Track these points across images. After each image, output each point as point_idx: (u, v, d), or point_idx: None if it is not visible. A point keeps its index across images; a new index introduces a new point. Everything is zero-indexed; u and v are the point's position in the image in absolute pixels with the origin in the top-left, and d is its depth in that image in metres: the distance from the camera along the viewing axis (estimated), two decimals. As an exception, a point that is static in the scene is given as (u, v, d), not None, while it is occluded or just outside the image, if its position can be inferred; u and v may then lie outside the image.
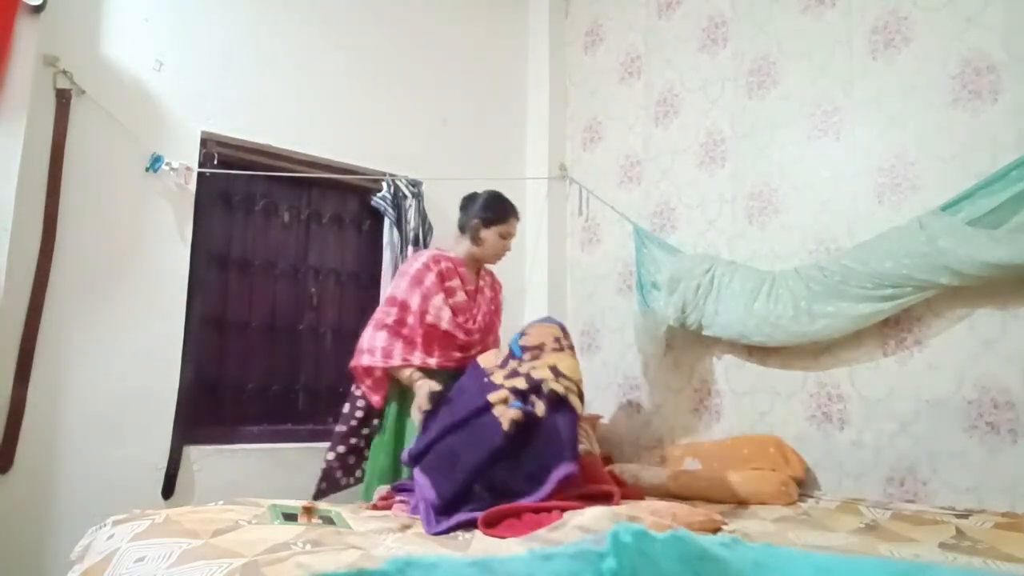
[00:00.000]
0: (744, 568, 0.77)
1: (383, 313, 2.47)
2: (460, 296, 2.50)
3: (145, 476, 2.48)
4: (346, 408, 2.55)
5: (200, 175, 2.69)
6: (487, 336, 2.58)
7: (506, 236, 2.58)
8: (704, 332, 2.80)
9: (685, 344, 2.99)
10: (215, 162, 2.74)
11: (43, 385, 2.34)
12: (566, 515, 1.77)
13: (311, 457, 2.83)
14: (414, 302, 2.44)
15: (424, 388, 2.28)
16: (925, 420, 2.33)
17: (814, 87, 2.74)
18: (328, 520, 1.74)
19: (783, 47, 2.86)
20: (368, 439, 2.55)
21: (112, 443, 2.44)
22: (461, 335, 2.46)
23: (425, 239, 3.08)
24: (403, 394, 2.44)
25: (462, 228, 2.60)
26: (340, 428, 2.54)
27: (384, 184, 3.07)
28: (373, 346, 2.43)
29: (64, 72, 2.43)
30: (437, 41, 3.45)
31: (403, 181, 3.09)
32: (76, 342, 2.42)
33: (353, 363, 2.47)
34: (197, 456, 2.60)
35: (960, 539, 1.74)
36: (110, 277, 2.51)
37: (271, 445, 2.79)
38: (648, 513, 1.80)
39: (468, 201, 2.62)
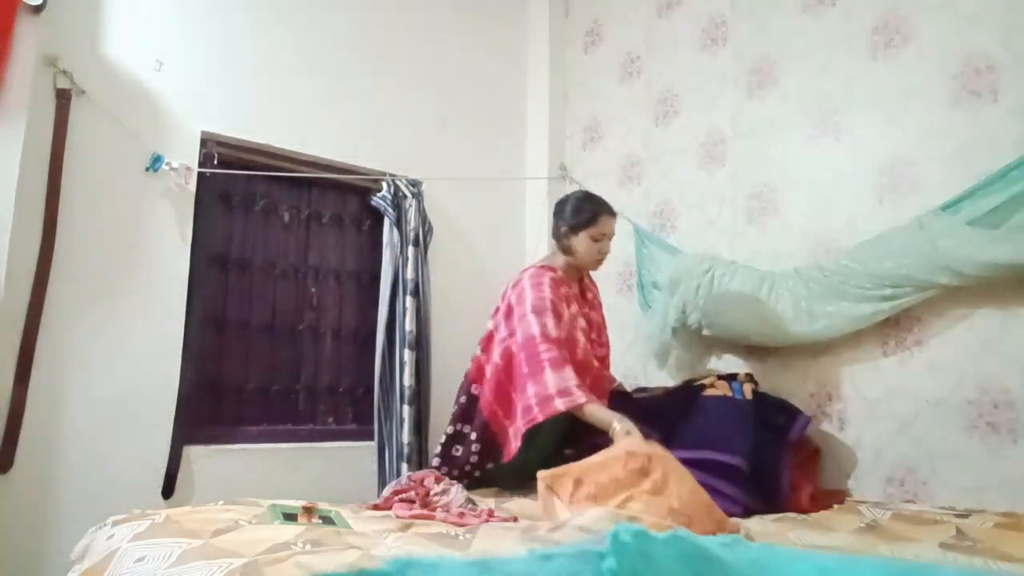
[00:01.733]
0: (744, 568, 0.77)
1: (548, 351, 2.17)
2: (582, 322, 2.34)
3: (145, 476, 2.48)
4: (458, 451, 2.33)
5: (200, 175, 2.69)
6: (607, 354, 2.45)
7: (599, 238, 2.36)
8: (704, 332, 2.80)
9: (685, 344, 2.98)
10: (215, 162, 2.74)
11: (43, 385, 2.34)
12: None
13: (311, 457, 2.84)
14: (562, 332, 2.22)
15: (634, 436, 1.97)
16: (925, 420, 2.33)
17: (814, 87, 2.74)
18: (328, 520, 1.74)
19: (783, 47, 2.86)
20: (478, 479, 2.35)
21: (112, 443, 2.44)
22: (595, 361, 2.33)
23: (425, 239, 3.09)
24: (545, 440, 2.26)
25: (556, 238, 2.44)
26: (452, 473, 2.32)
27: (384, 184, 3.07)
28: (567, 387, 2.11)
29: (64, 72, 2.43)
30: (437, 41, 3.45)
31: (403, 181, 3.09)
32: (76, 342, 2.42)
33: (544, 415, 2.11)
34: (197, 456, 2.60)
35: (960, 539, 1.74)
36: (110, 277, 2.51)
37: (271, 445, 2.79)
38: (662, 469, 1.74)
39: (559, 206, 2.45)
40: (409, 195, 3.07)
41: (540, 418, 2.12)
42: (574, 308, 2.36)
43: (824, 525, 1.95)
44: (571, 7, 3.80)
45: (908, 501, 2.30)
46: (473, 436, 2.34)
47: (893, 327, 2.44)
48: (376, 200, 3.06)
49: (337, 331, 3.09)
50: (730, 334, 2.72)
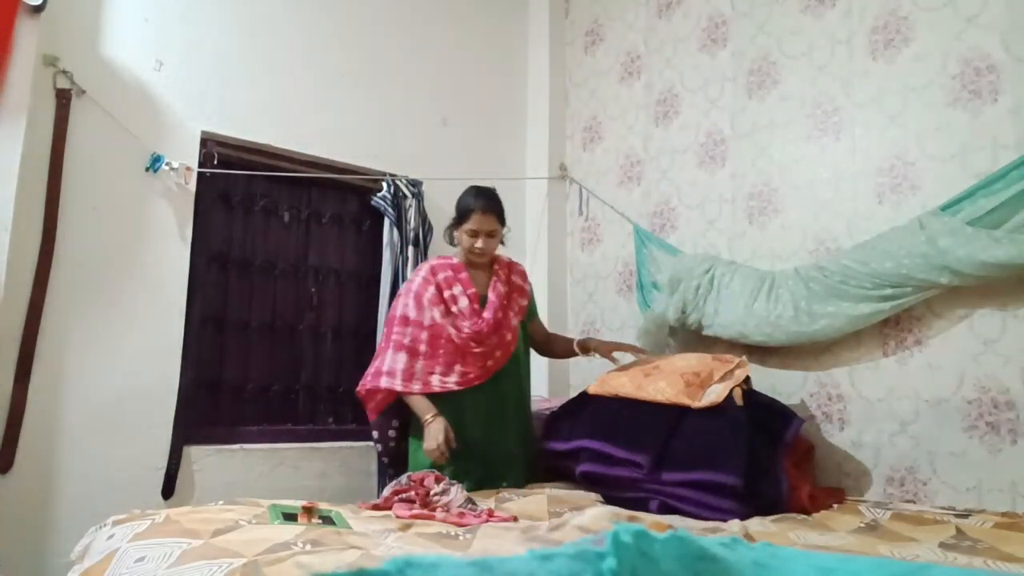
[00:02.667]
0: (744, 568, 0.77)
1: (399, 334, 2.45)
2: (463, 302, 2.47)
3: (145, 476, 2.48)
4: (376, 435, 2.58)
5: (200, 175, 2.69)
6: (502, 331, 2.50)
7: (472, 234, 2.48)
8: (704, 332, 2.80)
9: (685, 344, 2.98)
10: (215, 162, 2.74)
11: (43, 385, 2.34)
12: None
13: (311, 457, 2.83)
14: (426, 318, 2.44)
15: (432, 435, 2.31)
16: (925, 420, 2.33)
17: (814, 87, 2.74)
18: (328, 520, 1.74)
19: (783, 47, 2.86)
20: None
21: (112, 443, 2.44)
22: (474, 344, 2.43)
23: (425, 239, 3.08)
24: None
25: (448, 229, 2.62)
26: (383, 458, 2.62)
27: (384, 184, 3.07)
28: (393, 368, 2.41)
29: (64, 72, 2.43)
30: (437, 41, 3.45)
31: (403, 181, 3.09)
32: (76, 342, 2.42)
33: (369, 386, 2.45)
34: (197, 456, 2.60)
35: (960, 539, 1.74)
36: (110, 277, 2.51)
37: (271, 445, 2.79)
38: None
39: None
40: (409, 195, 3.07)
41: (367, 387, 2.45)
42: (456, 289, 2.48)
43: (824, 525, 1.95)
44: (571, 7, 3.80)
45: (908, 501, 2.30)
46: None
47: (893, 327, 2.44)
48: (376, 200, 3.06)
49: (337, 331, 3.09)
50: (730, 334, 2.72)
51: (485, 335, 2.45)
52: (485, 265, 2.58)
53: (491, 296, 2.53)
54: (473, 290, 2.52)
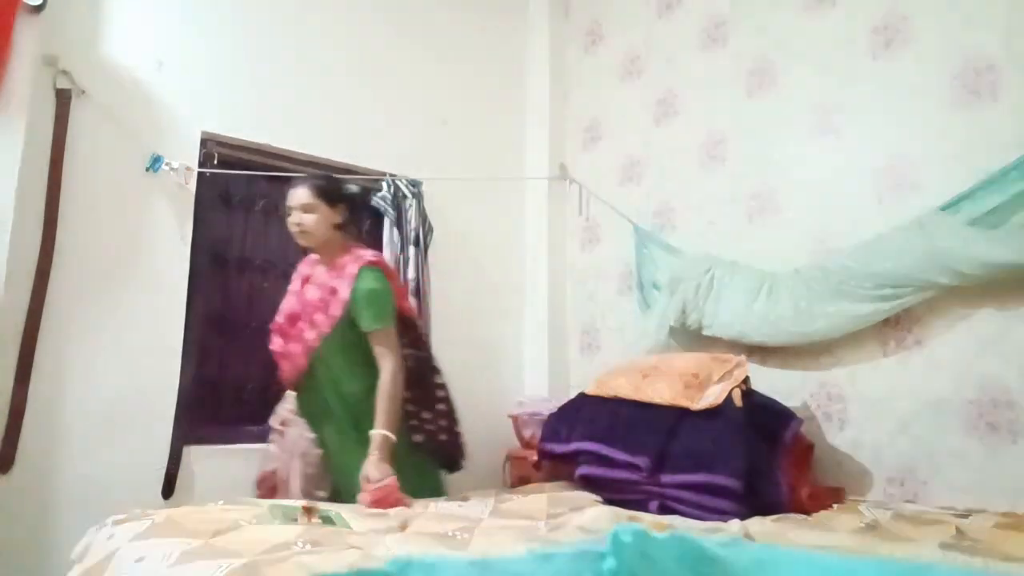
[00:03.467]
0: (744, 568, 0.77)
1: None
2: (297, 295, 2.38)
3: (145, 476, 2.48)
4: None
5: (200, 175, 2.69)
6: (295, 322, 2.33)
7: (288, 212, 2.34)
8: (704, 332, 2.80)
9: (685, 344, 2.98)
10: (215, 162, 2.74)
11: (43, 385, 2.34)
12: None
13: (311, 457, 2.82)
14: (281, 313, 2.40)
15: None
16: (925, 420, 2.33)
17: (814, 87, 2.74)
18: (328, 520, 1.74)
19: (783, 47, 2.86)
20: None
21: (112, 443, 2.44)
22: (272, 341, 2.37)
23: (425, 239, 3.08)
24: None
25: None
26: None
27: (384, 184, 3.07)
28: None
29: (64, 72, 2.43)
30: (437, 41, 3.45)
31: (403, 181, 3.09)
32: (76, 342, 2.42)
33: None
34: (197, 456, 2.60)
35: (960, 539, 1.74)
36: (110, 277, 2.51)
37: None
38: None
39: None
40: (409, 195, 3.07)
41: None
42: (295, 285, 2.41)
43: (824, 525, 1.94)
44: (571, 7, 3.80)
45: (908, 501, 2.29)
46: None
47: (893, 327, 2.44)
48: (376, 200, 3.06)
49: (337, 331, 3.09)
50: (730, 334, 2.72)
51: (277, 327, 2.37)
52: (328, 254, 2.34)
53: (308, 287, 2.35)
54: (304, 281, 2.39)
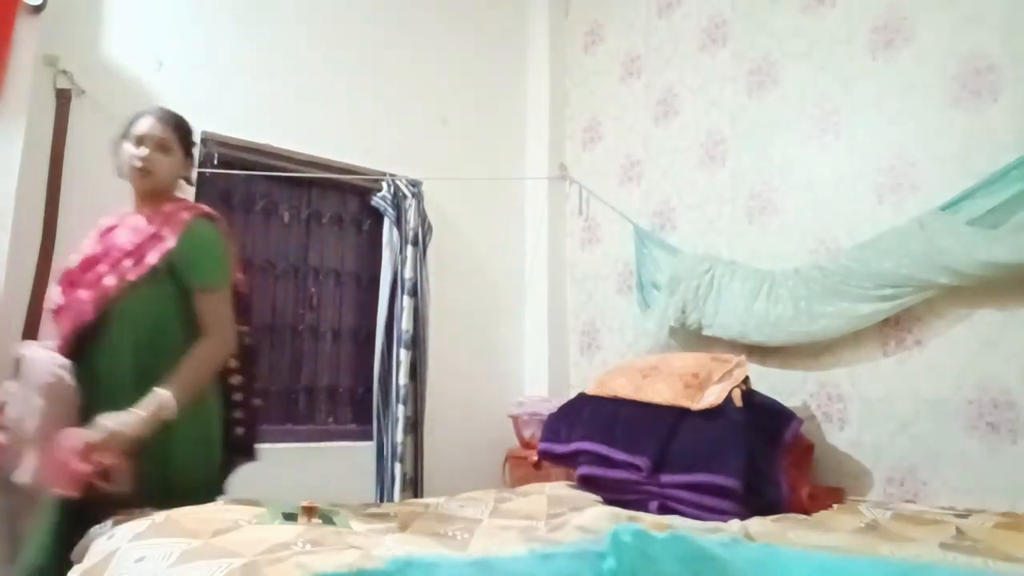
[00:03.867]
0: (744, 568, 0.77)
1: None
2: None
3: (145, 476, 2.47)
4: None
5: (200, 175, 2.69)
6: (90, 268, 1.83)
7: (139, 142, 1.87)
8: (704, 332, 2.80)
9: (685, 344, 2.98)
10: (215, 162, 2.74)
11: (43, 385, 2.33)
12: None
13: (311, 457, 2.83)
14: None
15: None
16: (925, 420, 2.33)
17: (814, 87, 2.74)
18: (328, 520, 1.73)
19: (783, 47, 2.86)
20: None
21: (112, 443, 2.43)
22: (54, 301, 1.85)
23: (425, 239, 3.09)
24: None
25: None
26: None
27: (384, 184, 3.08)
28: None
29: (64, 72, 2.43)
30: (437, 41, 3.45)
31: (403, 181, 3.09)
32: (76, 342, 2.41)
33: None
34: (197, 456, 2.59)
35: (960, 539, 1.74)
36: (110, 277, 2.50)
37: (271, 445, 2.77)
38: None
39: None
40: (409, 195, 3.07)
41: None
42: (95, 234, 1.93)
43: (824, 525, 1.94)
44: (571, 7, 3.80)
45: (908, 501, 2.30)
46: None
47: (893, 327, 2.44)
48: (376, 200, 3.06)
49: (337, 331, 3.09)
50: (730, 334, 2.72)
51: (67, 279, 1.86)
52: (153, 206, 1.90)
53: (107, 238, 1.88)
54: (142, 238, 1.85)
